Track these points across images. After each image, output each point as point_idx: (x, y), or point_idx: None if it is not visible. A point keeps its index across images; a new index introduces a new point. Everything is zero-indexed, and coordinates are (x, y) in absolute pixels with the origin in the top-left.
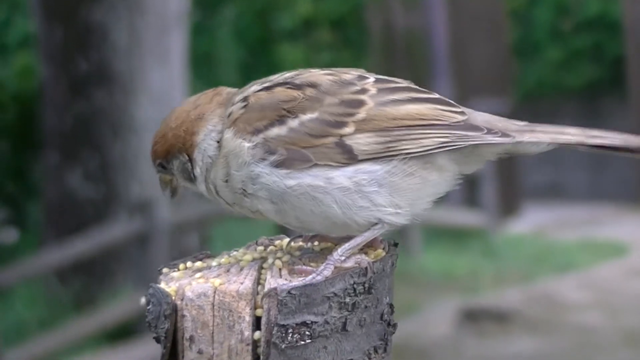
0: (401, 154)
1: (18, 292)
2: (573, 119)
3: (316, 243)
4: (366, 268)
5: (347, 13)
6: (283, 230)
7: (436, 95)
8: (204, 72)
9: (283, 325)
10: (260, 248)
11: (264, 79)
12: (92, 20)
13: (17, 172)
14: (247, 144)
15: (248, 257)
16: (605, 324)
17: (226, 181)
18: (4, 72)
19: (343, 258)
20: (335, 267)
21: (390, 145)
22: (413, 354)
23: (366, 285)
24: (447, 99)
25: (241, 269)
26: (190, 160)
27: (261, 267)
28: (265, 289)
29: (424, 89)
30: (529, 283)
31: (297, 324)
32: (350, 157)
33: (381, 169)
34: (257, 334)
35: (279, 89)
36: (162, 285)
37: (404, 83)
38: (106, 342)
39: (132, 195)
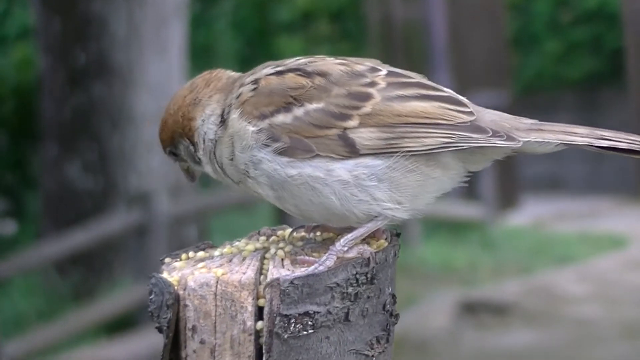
0: (403, 151)
1: (17, 283)
2: (572, 111)
3: (318, 233)
4: (369, 258)
5: (345, 5)
6: (284, 220)
7: (446, 93)
8: (203, 64)
9: (285, 315)
10: (263, 238)
11: (279, 62)
12: (91, 12)
13: (16, 164)
14: (251, 128)
15: (250, 247)
16: (604, 316)
17: (231, 159)
18: (3, 64)
19: (345, 248)
20: (338, 258)
21: (392, 142)
22: (412, 345)
23: (369, 275)
24: (458, 98)
25: (243, 259)
26: (193, 143)
27: (263, 257)
28: (268, 279)
29: (435, 86)
30: (527, 275)
31: (299, 314)
32: (352, 150)
33: (382, 164)
34: (259, 324)
35: (290, 75)
36: (165, 275)
37: (416, 78)
38: (105, 334)
39: (130, 187)
